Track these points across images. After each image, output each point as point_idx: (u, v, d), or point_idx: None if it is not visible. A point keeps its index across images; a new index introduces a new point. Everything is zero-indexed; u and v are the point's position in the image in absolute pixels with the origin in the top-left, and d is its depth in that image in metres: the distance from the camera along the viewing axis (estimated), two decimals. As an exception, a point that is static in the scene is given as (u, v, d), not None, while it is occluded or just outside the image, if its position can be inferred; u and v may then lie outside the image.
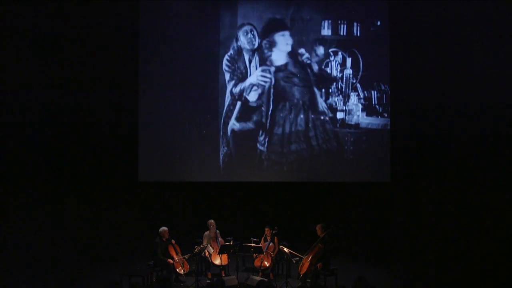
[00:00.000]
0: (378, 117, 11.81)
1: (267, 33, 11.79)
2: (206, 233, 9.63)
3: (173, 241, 9.28)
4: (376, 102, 11.81)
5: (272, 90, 11.78)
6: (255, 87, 11.75)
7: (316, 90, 11.80)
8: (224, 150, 11.82)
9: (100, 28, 11.63)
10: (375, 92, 11.80)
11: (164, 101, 11.85)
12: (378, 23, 11.79)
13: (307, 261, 8.81)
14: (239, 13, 11.83)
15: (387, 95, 11.79)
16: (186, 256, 9.20)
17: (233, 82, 11.76)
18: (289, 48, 11.78)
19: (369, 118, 11.80)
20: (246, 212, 11.76)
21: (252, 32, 11.72)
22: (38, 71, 11.56)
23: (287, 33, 11.80)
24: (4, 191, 11.28)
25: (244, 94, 11.73)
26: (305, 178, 11.84)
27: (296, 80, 11.76)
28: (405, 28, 11.69)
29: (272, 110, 11.79)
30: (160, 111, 11.84)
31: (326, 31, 11.84)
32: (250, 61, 11.78)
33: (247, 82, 11.73)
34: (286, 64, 11.79)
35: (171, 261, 9.05)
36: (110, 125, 11.77)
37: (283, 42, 11.81)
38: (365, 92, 11.82)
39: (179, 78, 11.85)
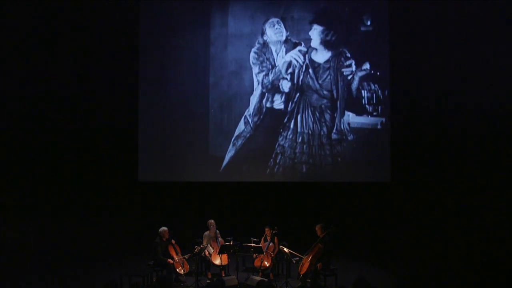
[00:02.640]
0: (368, 116, 11.81)
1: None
2: (206, 233, 9.63)
3: (173, 241, 9.28)
4: (366, 102, 11.81)
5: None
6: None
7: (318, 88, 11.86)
8: (225, 150, 11.85)
9: (100, 27, 11.65)
10: (365, 91, 11.80)
11: (164, 101, 11.86)
12: (368, 22, 11.77)
13: (307, 261, 8.80)
14: (230, 11, 11.81)
15: (377, 94, 11.78)
16: (186, 256, 9.20)
17: (262, 73, 11.75)
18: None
19: (359, 117, 11.80)
20: (246, 212, 11.76)
21: (279, 24, 11.71)
22: (38, 70, 11.58)
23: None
24: (5, 191, 11.29)
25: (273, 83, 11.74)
26: (305, 178, 11.85)
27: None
28: (404, 28, 11.69)
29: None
30: (160, 111, 11.85)
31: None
32: (277, 53, 11.78)
33: (280, 63, 11.75)
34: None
35: (171, 261, 9.05)
36: (110, 125, 11.78)
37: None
38: (356, 91, 11.83)
39: (178, 78, 11.86)
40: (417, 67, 11.66)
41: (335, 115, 11.76)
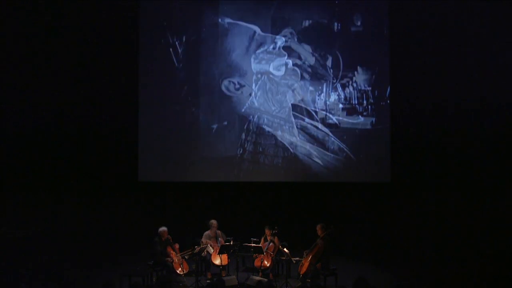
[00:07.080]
0: (358, 116, 11.81)
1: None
2: (206, 232, 9.64)
3: (170, 240, 9.28)
4: (356, 102, 11.81)
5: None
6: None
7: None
8: (225, 150, 11.86)
9: (99, 27, 11.64)
10: (356, 92, 11.80)
11: (164, 101, 11.85)
12: (358, 23, 11.77)
13: (307, 261, 8.81)
14: (220, 11, 11.76)
15: (367, 94, 11.79)
16: (186, 256, 9.20)
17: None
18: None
19: (349, 117, 11.81)
20: (246, 212, 11.76)
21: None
22: (38, 70, 11.58)
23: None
24: (4, 191, 11.29)
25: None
26: (305, 178, 11.84)
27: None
28: (404, 28, 11.69)
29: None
30: (160, 111, 11.84)
31: None
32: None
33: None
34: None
35: (169, 260, 9.07)
36: (110, 125, 11.77)
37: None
38: (345, 91, 11.83)
39: (177, 77, 11.85)
40: (417, 67, 11.65)
41: (328, 113, 11.78)
